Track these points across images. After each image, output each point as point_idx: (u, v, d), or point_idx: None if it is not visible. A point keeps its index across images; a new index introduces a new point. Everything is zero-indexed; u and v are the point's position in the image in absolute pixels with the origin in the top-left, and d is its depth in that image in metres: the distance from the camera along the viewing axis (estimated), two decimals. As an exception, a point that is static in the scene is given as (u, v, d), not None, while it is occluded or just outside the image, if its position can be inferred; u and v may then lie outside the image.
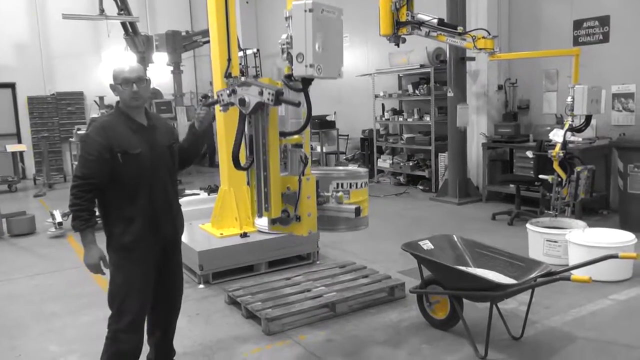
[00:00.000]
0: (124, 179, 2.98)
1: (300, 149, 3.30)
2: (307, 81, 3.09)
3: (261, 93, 3.01)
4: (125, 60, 3.14)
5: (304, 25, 2.93)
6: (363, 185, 3.60)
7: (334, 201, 3.38)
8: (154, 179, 3.08)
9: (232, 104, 3.16)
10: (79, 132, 11.10)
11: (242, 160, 3.25)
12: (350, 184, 3.54)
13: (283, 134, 3.25)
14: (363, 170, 3.77)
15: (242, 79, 3.33)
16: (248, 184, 6.07)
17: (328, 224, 3.45)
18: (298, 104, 3.08)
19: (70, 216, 2.97)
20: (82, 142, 3.01)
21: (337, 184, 3.50)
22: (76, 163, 3.10)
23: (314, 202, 3.27)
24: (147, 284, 3.12)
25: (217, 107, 3.33)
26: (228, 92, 3.16)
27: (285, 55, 3.06)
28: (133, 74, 3.04)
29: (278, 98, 2.97)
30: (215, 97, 3.29)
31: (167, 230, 3.18)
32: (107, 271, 3.09)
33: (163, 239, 3.16)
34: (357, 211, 3.28)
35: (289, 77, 3.12)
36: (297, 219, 3.24)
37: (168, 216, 3.19)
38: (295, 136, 3.29)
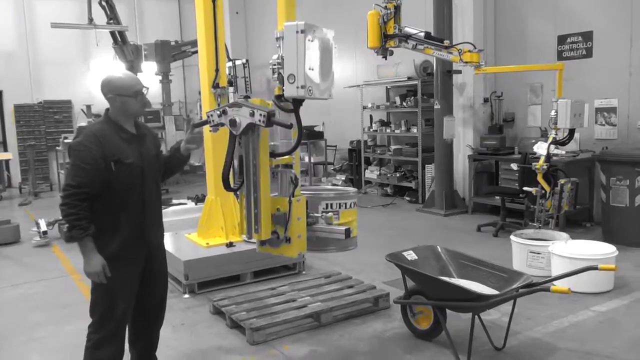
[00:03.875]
0: (115, 188, 2.96)
1: (291, 170, 3.31)
2: (297, 102, 3.09)
3: (252, 114, 3.01)
4: (117, 69, 3.11)
5: (295, 47, 2.95)
6: (352, 205, 3.61)
7: (323, 222, 3.38)
8: (143, 187, 3.09)
9: (222, 124, 3.15)
10: (65, 140, 11.04)
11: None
12: (340, 204, 3.54)
13: (273, 155, 3.26)
14: (352, 190, 3.78)
15: (230, 89, 3.35)
16: (236, 194, 6.11)
17: (317, 244, 3.44)
18: (290, 126, 3.09)
19: (66, 226, 2.92)
20: (76, 151, 2.94)
21: (327, 205, 3.51)
22: (66, 171, 3.04)
23: (304, 223, 3.27)
24: (130, 293, 3.12)
25: (207, 128, 3.33)
26: (218, 112, 3.15)
27: (276, 75, 3.07)
28: (141, 84, 3.08)
29: (270, 119, 2.97)
30: (205, 117, 3.27)
31: (152, 238, 3.19)
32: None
33: (148, 246, 3.17)
34: (347, 233, 3.28)
35: (280, 97, 3.13)
36: (286, 241, 3.24)
37: (154, 224, 3.21)
38: (286, 157, 3.30)
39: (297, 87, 2.96)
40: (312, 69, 3.00)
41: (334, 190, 3.81)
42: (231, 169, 3.23)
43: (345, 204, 3.56)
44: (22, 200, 11.33)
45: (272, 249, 3.33)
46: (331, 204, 3.51)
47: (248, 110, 3.03)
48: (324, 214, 3.43)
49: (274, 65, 3.06)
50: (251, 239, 3.32)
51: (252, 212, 3.19)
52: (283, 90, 3.05)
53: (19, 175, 13.47)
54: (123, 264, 3.03)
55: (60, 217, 7.78)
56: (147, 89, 3.13)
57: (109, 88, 3.03)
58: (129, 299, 3.12)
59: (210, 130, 3.32)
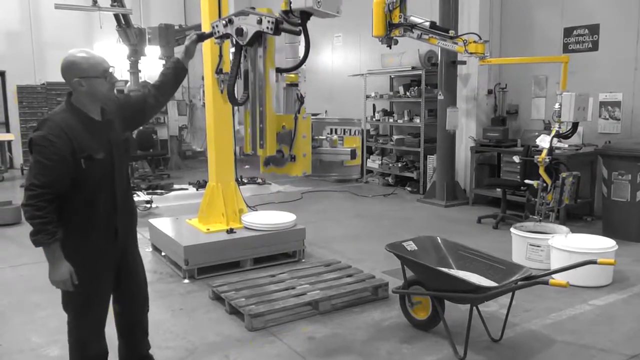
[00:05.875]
0: (84, 185, 2.70)
1: (296, 87, 3.25)
2: (306, 15, 3.00)
3: (260, 22, 2.91)
4: (80, 48, 2.87)
5: None
6: (356, 132, 3.57)
7: (327, 145, 3.33)
8: (114, 182, 2.84)
9: (229, 35, 3.04)
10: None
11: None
12: (344, 130, 3.50)
13: (280, 70, 3.18)
14: (356, 119, 3.74)
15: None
16: (237, 180, 6.12)
17: (320, 170, 3.39)
18: (299, 32, 3.00)
19: (31, 230, 2.62)
20: (39, 146, 2.60)
21: (331, 130, 3.46)
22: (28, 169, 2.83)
23: (310, 141, 3.19)
24: (105, 292, 2.98)
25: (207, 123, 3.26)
26: (224, 22, 3.03)
27: None
28: (107, 62, 2.77)
29: (278, 26, 2.87)
30: (210, 29, 3.14)
31: (125, 230, 2.99)
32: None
33: (122, 240, 2.96)
34: (353, 153, 3.23)
35: (287, 12, 3.04)
36: (292, 159, 3.17)
37: (126, 215, 2.99)
38: (292, 74, 3.24)
39: None
40: None
41: (339, 118, 3.78)
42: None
43: (350, 130, 3.52)
44: (24, 181, 11.33)
45: (277, 169, 3.26)
46: (335, 129, 3.47)
47: (255, 17, 2.92)
48: (328, 136, 3.37)
49: None
50: (255, 154, 3.21)
51: (257, 127, 3.08)
52: (290, 3, 2.96)
53: (20, 156, 13.45)
54: (97, 263, 2.85)
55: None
56: (114, 67, 2.85)
57: (75, 71, 2.68)
58: (104, 298, 2.97)
59: (215, 42, 3.21)
